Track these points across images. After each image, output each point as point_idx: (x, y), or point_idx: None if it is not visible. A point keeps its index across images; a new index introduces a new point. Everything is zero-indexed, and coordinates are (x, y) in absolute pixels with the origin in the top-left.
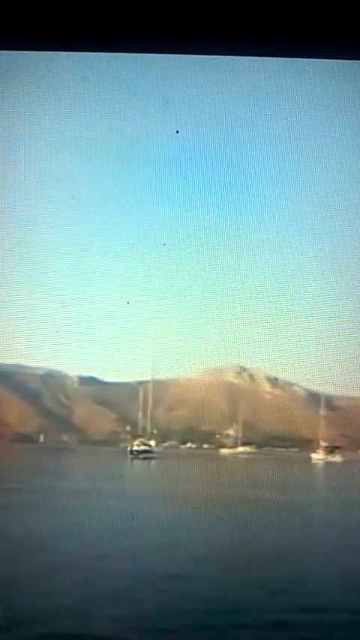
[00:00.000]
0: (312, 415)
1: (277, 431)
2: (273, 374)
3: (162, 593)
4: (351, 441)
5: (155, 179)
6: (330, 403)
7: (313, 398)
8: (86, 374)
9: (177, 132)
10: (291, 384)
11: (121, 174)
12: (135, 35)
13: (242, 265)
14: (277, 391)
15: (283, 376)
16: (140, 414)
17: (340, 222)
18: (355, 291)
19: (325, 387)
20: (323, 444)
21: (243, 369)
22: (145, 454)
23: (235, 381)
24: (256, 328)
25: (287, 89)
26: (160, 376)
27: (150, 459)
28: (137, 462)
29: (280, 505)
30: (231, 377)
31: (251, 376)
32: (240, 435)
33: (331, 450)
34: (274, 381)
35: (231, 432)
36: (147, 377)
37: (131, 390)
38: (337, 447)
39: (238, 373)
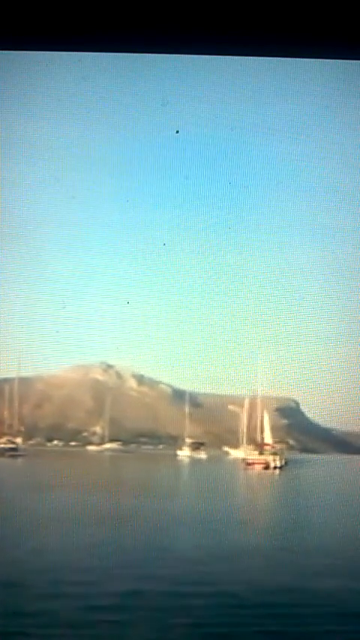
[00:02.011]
0: (177, 412)
1: (144, 428)
2: (139, 371)
3: None
4: (215, 438)
5: (155, 179)
6: (194, 400)
7: (178, 395)
8: None
9: (177, 132)
10: (157, 382)
11: (121, 174)
12: (135, 35)
13: (243, 265)
14: (144, 388)
15: (149, 374)
16: (6, 412)
17: (340, 223)
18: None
19: (189, 384)
20: (188, 440)
21: (109, 366)
22: (11, 452)
23: (101, 378)
24: (122, 326)
25: (287, 89)
26: (26, 373)
27: (16, 456)
28: (2, 460)
29: (144, 511)
30: (97, 374)
31: (117, 373)
32: (107, 432)
33: (196, 446)
34: (140, 379)
35: (98, 429)
36: (12, 374)
37: None
38: (202, 444)
39: (105, 370)
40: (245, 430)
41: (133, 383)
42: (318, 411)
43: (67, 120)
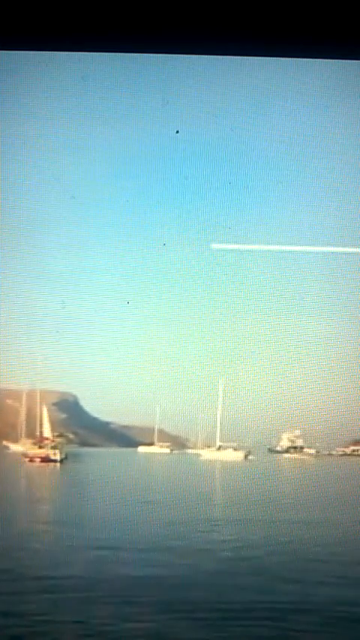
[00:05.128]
0: None
1: None
2: None
3: None
4: None
5: (155, 179)
6: None
7: None
8: None
9: (177, 132)
10: None
11: (121, 174)
12: (135, 35)
13: (243, 265)
14: None
15: None
16: None
17: (341, 223)
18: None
19: None
20: None
21: None
22: None
23: None
24: None
25: (287, 89)
26: None
27: None
28: None
29: None
30: None
31: None
32: None
33: None
34: None
35: None
36: None
37: None
38: None
39: None
40: (24, 424)
41: None
42: (96, 406)
43: (67, 120)
